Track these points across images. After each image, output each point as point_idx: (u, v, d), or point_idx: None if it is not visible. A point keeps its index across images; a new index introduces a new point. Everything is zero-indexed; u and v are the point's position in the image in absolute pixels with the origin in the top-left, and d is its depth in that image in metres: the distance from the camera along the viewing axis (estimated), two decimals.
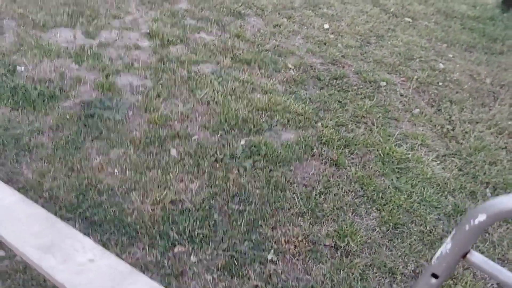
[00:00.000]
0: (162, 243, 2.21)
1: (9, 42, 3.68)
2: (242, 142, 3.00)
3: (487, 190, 3.02)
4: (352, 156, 3.08)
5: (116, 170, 2.61)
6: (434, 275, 0.92)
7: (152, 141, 2.87)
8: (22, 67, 3.35)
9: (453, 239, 0.87)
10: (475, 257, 0.87)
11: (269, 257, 2.23)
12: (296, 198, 2.60)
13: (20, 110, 2.93)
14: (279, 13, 5.20)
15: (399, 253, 2.39)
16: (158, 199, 2.43)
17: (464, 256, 0.87)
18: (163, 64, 3.74)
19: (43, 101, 3.04)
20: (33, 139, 2.72)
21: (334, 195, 2.68)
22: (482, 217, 0.80)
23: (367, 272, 2.24)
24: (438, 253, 0.90)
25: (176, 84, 3.51)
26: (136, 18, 4.46)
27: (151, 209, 2.38)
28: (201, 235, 2.26)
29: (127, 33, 4.14)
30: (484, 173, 3.16)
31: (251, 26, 4.79)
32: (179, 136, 2.96)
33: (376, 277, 2.23)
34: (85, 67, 3.51)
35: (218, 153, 2.85)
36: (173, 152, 2.83)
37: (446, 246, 0.88)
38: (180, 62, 3.82)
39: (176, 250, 2.20)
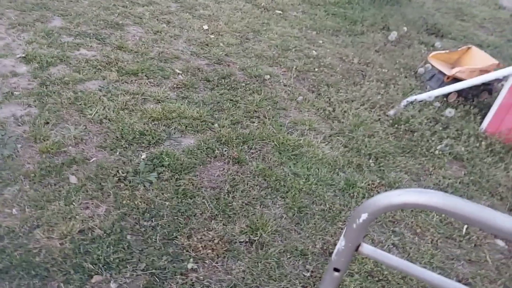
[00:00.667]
0: (77, 277, 2.16)
1: None
2: (143, 156, 3.01)
3: (370, 161, 3.43)
4: (251, 151, 3.27)
5: (14, 210, 2.47)
6: (336, 269, 1.11)
7: (48, 171, 2.75)
8: None
9: (345, 236, 1.06)
10: (366, 248, 1.07)
11: (189, 266, 2.31)
12: (206, 202, 2.71)
13: None
14: (157, 19, 5.19)
15: (307, 234, 2.64)
16: (65, 232, 2.37)
17: (357, 249, 1.07)
18: (46, 88, 3.55)
19: None
20: None
21: (241, 192, 2.84)
22: (364, 216, 1.00)
23: (282, 258, 2.45)
24: (335, 250, 1.09)
25: (63, 107, 3.37)
26: (8, 43, 4.13)
27: (60, 244, 2.31)
28: (117, 260, 2.27)
29: (1, 60, 3.83)
30: (365, 146, 3.57)
31: (132, 35, 4.72)
32: (76, 161, 2.87)
33: (290, 261, 2.45)
34: None
35: (120, 172, 2.83)
36: (73, 179, 2.75)
37: (341, 243, 1.07)
38: (63, 83, 3.66)
39: (94, 280, 2.17)
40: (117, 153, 3.01)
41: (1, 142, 2.93)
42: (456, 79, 4.52)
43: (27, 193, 2.59)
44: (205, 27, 5.18)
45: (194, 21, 5.30)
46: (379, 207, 0.97)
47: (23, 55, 3.98)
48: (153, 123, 3.37)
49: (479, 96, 4.73)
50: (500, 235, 0.84)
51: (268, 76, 4.33)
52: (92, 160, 2.92)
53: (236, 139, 3.34)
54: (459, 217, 0.87)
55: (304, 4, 6.59)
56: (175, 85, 3.92)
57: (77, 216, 2.48)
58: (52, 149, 2.93)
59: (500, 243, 2.96)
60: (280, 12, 6.07)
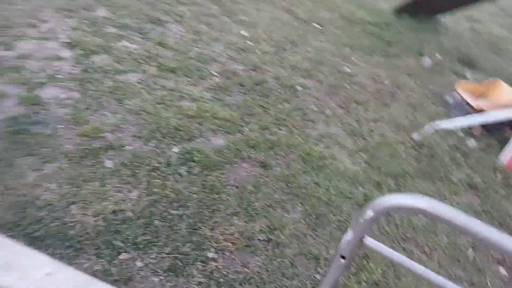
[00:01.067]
0: (107, 252, 2.33)
1: None
2: (176, 149, 3.18)
3: (390, 180, 3.52)
4: (277, 157, 3.41)
5: (52, 185, 2.65)
6: (342, 257, 1.27)
7: (86, 153, 2.94)
8: None
9: (352, 228, 1.22)
10: (369, 241, 1.23)
11: (210, 255, 2.46)
12: (230, 199, 2.85)
13: None
14: (198, 20, 5.39)
15: (322, 241, 2.75)
16: (99, 210, 2.54)
17: (362, 241, 1.23)
18: (88, 75, 3.76)
19: None
20: None
21: (264, 194, 2.98)
22: (370, 213, 1.16)
23: (296, 259, 2.57)
24: (342, 240, 1.24)
25: (103, 94, 3.57)
26: (52, 26, 4.38)
27: (93, 221, 2.48)
28: (144, 242, 2.42)
29: (46, 43, 4.07)
30: (387, 165, 3.67)
31: (173, 33, 4.93)
32: (113, 147, 3.06)
33: (303, 263, 2.57)
34: (6, 81, 3.42)
35: (153, 162, 3.00)
36: (108, 163, 2.93)
37: (348, 234, 1.23)
38: (105, 72, 3.87)
39: (121, 257, 2.33)
40: (152, 144, 3.18)
41: (44, 121, 3.13)
42: (481, 111, 4.58)
43: (65, 171, 2.77)
44: (244, 33, 5.36)
45: (234, 26, 5.49)
46: (384, 207, 1.13)
47: (68, 41, 4.21)
48: (187, 120, 3.54)
49: (503, 131, 4.78)
50: (475, 239, 1.01)
51: (300, 88, 4.47)
52: (127, 148, 3.10)
53: (263, 144, 3.48)
54: (442, 219, 1.07)
55: (342, 20, 6.73)
56: (210, 86, 4.09)
57: (110, 198, 2.65)
58: (91, 133, 3.13)
59: (503, 271, 3.02)
60: (318, 26, 6.22)
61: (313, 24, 6.27)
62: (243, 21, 5.73)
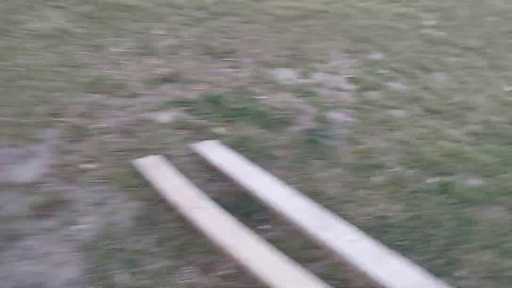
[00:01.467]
0: None
1: (248, 75, 4.87)
2: (433, 180, 3.61)
3: None
4: None
5: (334, 184, 3.45)
6: None
7: (360, 167, 3.66)
8: (261, 96, 4.46)
9: None
10: None
11: (456, 274, 2.80)
12: (482, 233, 3.11)
13: (264, 129, 3.98)
14: (463, 71, 5.68)
15: None
16: (368, 212, 3.19)
17: None
18: (364, 106, 4.56)
19: (278, 124, 4.06)
20: (275, 151, 3.72)
21: None
22: None
23: None
24: None
25: (375, 124, 4.28)
26: (339, 64, 5.41)
27: (364, 219, 3.13)
28: (401, 247, 2.93)
29: (333, 77, 5.08)
30: None
31: (438, 80, 5.37)
32: (381, 166, 3.70)
33: None
34: (305, 101, 4.50)
35: (413, 185, 3.51)
36: (377, 178, 3.58)
37: None
38: (377, 105, 4.60)
39: None
40: (412, 171, 3.69)
41: (329, 136, 4.00)
42: None
43: (343, 176, 3.53)
44: (509, 88, 5.39)
45: (498, 80, 5.56)
46: None
47: (350, 76, 5.13)
48: (445, 157, 3.91)
49: None
50: None
51: None
52: (392, 170, 3.69)
53: None
54: None
55: None
56: (470, 132, 4.36)
57: (377, 205, 3.26)
58: (364, 152, 3.84)
59: None
60: None
61: None
62: (509, 76, 5.72)
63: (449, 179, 3.63)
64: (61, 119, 3.59)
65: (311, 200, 2.95)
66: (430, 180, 3.61)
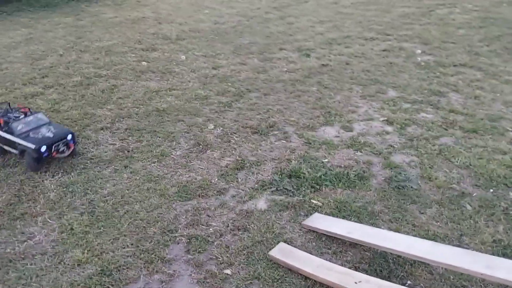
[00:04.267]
0: None
1: (300, 142, 5.23)
2: None
3: None
4: None
5: (438, 223, 3.79)
6: None
7: (449, 200, 4.04)
8: (324, 160, 4.82)
9: None
10: None
11: None
12: None
13: (349, 189, 4.31)
14: (469, 86, 6.34)
15: None
16: (483, 240, 3.55)
17: None
18: (414, 142, 5.01)
19: (358, 181, 4.40)
20: (373, 207, 4.03)
21: None
22: None
23: None
24: None
25: (434, 156, 4.72)
26: (366, 109, 5.90)
27: (485, 247, 3.48)
28: None
29: (371, 123, 5.54)
30: None
31: (455, 100, 5.96)
32: (465, 194, 4.10)
33: None
34: (365, 153, 4.89)
35: (502, 203, 3.93)
36: (468, 206, 3.96)
37: None
38: (425, 139, 5.07)
39: None
40: (491, 190, 4.12)
41: (408, 179, 4.38)
42: None
43: (443, 213, 3.89)
44: None
45: (503, 86, 6.25)
46: None
47: (385, 119, 5.61)
48: (507, 169, 4.39)
49: None
50: None
51: None
52: (474, 194, 4.10)
53: None
54: None
55: None
56: (511, 141, 4.90)
57: (485, 231, 3.62)
58: (443, 185, 4.24)
59: None
60: None
61: None
62: (510, 81, 6.43)
63: None
64: (177, 234, 3.78)
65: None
66: (511, 194, 4.05)
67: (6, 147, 4.76)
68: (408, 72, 7.05)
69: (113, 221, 3.94)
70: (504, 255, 3.33)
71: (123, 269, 3.46)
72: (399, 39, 8.77)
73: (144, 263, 3.51)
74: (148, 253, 3.61)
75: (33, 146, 4.46)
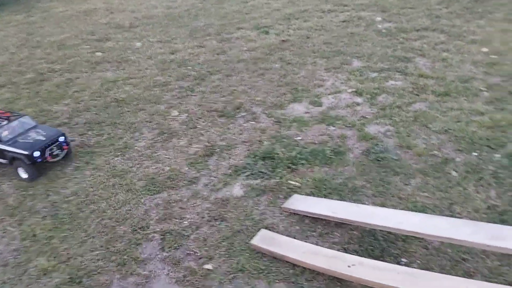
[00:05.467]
0: None
1: (270, 122, 4.94)
2: (498, 155, 3.89)
3: None
4: None
5: (425, 194, 3.60)
6: None
7: (432, 168, 3.80)
8: (297, 137, 4.56)
9: None
10: None
11: None
12: None
13: (327, 166, 4.06)
14: (434, 49, 6.17)
15: None
16: (476, 207, 3.38)
17: None
18: (386, 111, 4.76)
19: (335, 157, 4.15)
20: (354, 182, 3.79)
21: None
22: None
23: None
24: None
25: (410, 123, 4.52)
26: (332, 82, 5.63)
27: (480, 215, 3.33)
28: None
29: (339, 95, 5.30)
30: None
31: (423, 64, 5.80)
32: (447, 160, 3.92)
33: None
34: (338, 127, 4.63)
35: (489, 167, 3.76)
36: (453, 173, 3.76)
37: None
38: (397, 107, 4.83)
39: None
40: (475, 154, 3.94)
41: (386, 150, 4.16)
42: None
43: (427, 183, 3.65)
44: (484, 49, 5.98)
45: (469, 47, 6.15)
46: None
47: (354, 90, 5.39)
48: (489, 130, 4.20)
49: None
50: None
51: None
52: (457, 160, 3.94)
53: None
54: None
55: None
56: (487, 100, 4.78)
57: (479, 197, 3.43)
58: (423, 153, 4.04)
59: None
60: None
61: None
62: (475, 40, 6.34)
63: (508, 150, 3.95)
64: (149, 231, 3.45)
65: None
66: (496, 157, 3.90)
67: None
68: (371, 41, 6.84)
69: (78, 223, 3.56)
70: (503, 222, 3.12)
71: (94, 274, 3.10)
72: (356, 8, 8.53)
73: (117, 266, 3.16)
74: (120, 254, 3.25)
75: (25, 152, 4.02)
